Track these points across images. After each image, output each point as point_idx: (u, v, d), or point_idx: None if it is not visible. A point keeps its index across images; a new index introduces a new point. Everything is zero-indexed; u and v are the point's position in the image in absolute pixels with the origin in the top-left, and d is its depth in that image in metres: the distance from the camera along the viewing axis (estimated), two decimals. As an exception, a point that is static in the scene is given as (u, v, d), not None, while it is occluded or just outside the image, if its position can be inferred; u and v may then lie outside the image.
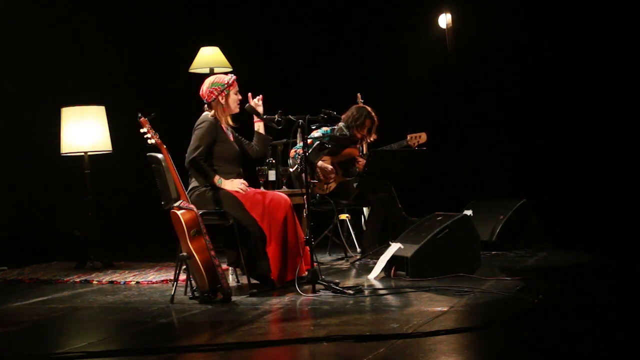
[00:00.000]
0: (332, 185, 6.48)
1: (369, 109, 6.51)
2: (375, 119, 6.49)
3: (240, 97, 5.30)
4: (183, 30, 8.69)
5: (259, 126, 5.42)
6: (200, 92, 5.28)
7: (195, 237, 4.68)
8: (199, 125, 5.20)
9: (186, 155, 5.12)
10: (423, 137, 6.54)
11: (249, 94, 5.34)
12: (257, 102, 5.36)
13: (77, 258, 6.75)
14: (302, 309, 4.47)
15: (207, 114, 5.26)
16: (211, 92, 5.23)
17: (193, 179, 5.20)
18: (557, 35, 8.11)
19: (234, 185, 5.10)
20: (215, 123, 5.20)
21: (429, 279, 5.14)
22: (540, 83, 8.25)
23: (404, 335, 3.60)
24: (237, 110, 5.30)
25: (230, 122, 5.31)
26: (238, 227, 5.10)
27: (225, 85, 5.22)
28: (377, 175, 6.16)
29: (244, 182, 5.17)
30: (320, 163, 6.44)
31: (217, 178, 5.10)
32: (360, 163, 6.49)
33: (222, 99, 5.23)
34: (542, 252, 6.46)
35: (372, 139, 6.58)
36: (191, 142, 5.15)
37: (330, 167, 6.45)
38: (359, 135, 6.50)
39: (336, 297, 4.69)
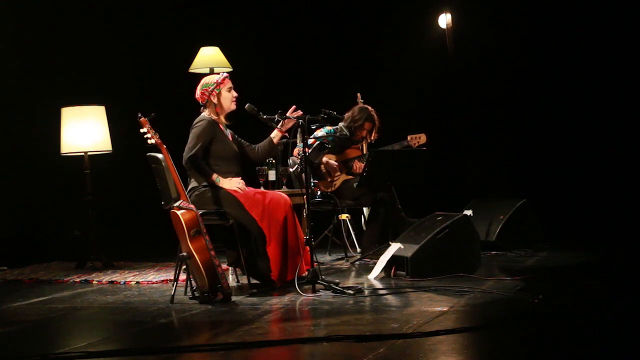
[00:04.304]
0: (337, 183, 6.48)
1: (370, 110, 6.49)
2: (376, 120, 6.48)
3: (235, 94, 5.30)
4: (183, 30, 8.69)
5: (276, 135, 5.40)
6: (195, 96, 5.31)
7: (195, 237, 4.68)
8: (196, 123, 5.21)
9: (184, 154, 5.12)
10: (423, 138, 6.54)
11: (293, 107, 5.30)
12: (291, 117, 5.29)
13: (77, 258, 6.75)
14: (302, 309, 4.47)
15: (204, 114, 5.27)
16: (203, 94, 5.25)
17: (193, 179, 5.20)
18: (557, 34, 8.11)
19: (232, 184, 5.10)
20: (212, 122, 5.22)
21: (429, 279, 5.14)
22: (540, 83, 8.25)
23: (404, 335, 3.60)
24: (232, 107, 5.30)
25: (224, 121, 5.31)
26: (238, 227, 5.10)
27: (215, 84, 5.23)
28: (377, 175, 6.16)
29: (242, 181, 5.16)
30: (325, 159, 6.44)
31: (215, 176, 5.10)
32: (356, 166, 6.47)
33: (214, 98, 5.24)
34: (542, 252, 6.46)
35: (373, 138, 6.59)
36: (189, 141, 5.16)
37: (335, 163, 6.46)
38: (359, 137, 6.51)
39: (336, 297, 4.68)
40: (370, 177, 6.15)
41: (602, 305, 4.26)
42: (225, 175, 5.15)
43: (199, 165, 5.10)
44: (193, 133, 5.17)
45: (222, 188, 5.09)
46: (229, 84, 5.29)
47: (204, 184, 5.14)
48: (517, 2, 8.21)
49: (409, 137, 6.55)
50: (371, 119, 6.46)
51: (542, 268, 5.66)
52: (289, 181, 6.23)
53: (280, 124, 5.33)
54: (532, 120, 8.26)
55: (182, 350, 3.60)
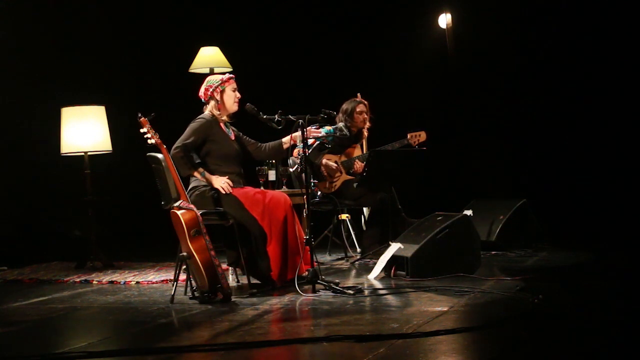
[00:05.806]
0: (337, 184, 6.48)
1: (355, 99, 6.60)
2: (364, 101, 6.61)
3: (238, 95, 5.31)
4: (183, 30, 8.69)
5: (287, 140, 5.37)
6: (199, 93, 5.33)
7: (195, 237, 4.68)
8: (196, 119, 5.24)
9: (174, 144, 5.12)
10: (423, 135, 6.56)
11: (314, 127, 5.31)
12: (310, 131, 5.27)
13: (77, 258, 6.75)
14: (302, 309, 4.47)
15: (206, 113, 5.29)
16: (206, 90, 5.29)
17: (193, 179, 5.20)
18: (556, 35, 8.11)
19: (218, 182, 5.10)
20: (211, 121, 5.24)
21: (429, 279, 5.14)
22: (540, 83, 8.25)
23: (404, 335, 3.60)
24: (234, 108, 5.32)
25: (226, 119, 5.32)
26: (238, 227, 5.10)
27: (220, 82, 5.26)
28: (377, 175, 6.16)
29: (228, 181, 5.14)
30: (324, 161, 6.44)
31: (200, 170, 5.11)
32: (357, 165, 6.47)
33: (217, 95, 5.26)
34: (542, 252, 6.46)
35: (368, 126, 6.63)
36: (184, 132, 5.17)
37: (334, 165, 6.46)
38: (361, 124, 6.54)
39: (336, 297, 4.68)
40: (370, 177, 6.15)
41: (602, 305, 4.26)
42: (225, 175, 5.15)
43: (186, 156, 5.10)
44: (190, 127, 5.21)
45: (207, 181, 5.10)
46: (233, 84, 5.31)
47: (204, 183, 5.15)
48: (517, 2, 8.21)
49: (409, 135, 6.56)
50: (359, 102, 6.59)
51: (542, 268, 5.66)
52: (289, 181, 6.23)
53: (296, 131, 5.25)
54: (532, 120, 8.26)
55: (182, 350, 3.60)
